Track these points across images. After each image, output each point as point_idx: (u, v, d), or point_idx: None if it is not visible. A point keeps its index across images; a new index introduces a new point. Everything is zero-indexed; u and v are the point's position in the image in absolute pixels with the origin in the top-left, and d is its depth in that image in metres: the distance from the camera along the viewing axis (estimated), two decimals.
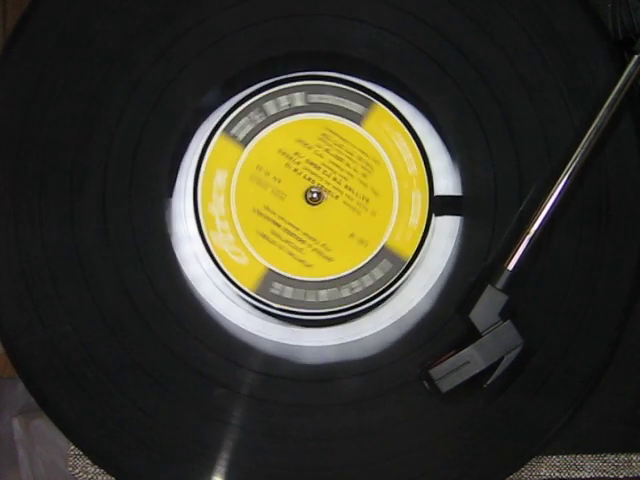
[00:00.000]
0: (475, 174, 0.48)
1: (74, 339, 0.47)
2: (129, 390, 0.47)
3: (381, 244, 0.49)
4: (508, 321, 0.46)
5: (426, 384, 0.47)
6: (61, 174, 0.47)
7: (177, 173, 0.49)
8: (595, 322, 0.48)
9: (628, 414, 0.51)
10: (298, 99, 0.49)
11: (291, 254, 0.49)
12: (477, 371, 0.46)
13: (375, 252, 0.49)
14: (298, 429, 0.48)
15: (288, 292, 0.49)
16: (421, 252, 0.49)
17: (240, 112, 0.49)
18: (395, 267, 0.49)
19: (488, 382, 0.46)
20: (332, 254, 0.49)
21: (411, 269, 0.49)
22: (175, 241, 0.48)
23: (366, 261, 0.49)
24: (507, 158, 0.48)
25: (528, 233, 0.46)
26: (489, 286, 0.46)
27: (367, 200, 0.49)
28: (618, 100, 0.47)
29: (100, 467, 0.49)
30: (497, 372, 0.46)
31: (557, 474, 0.52)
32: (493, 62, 0.48)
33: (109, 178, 0.48)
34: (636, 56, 0.47)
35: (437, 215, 0.49)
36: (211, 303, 0.48)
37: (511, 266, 0.46)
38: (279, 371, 0.48)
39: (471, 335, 0.46)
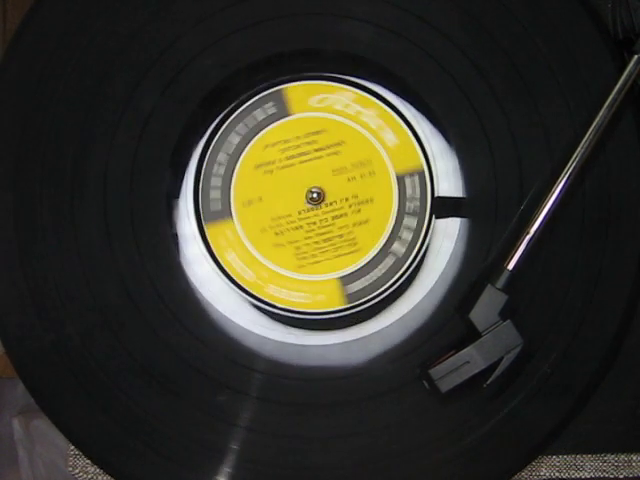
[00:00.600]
0: (476, 175, 0.48)
1: (76, 340, 0.47)
2: (130, 391, 0.47)
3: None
4: (508, 321, 0.46)
5: (426, 384, 0.47)
6: (63, 175, 0.47)
7: (183, 173, 0.49)
8: (595, 322, 0.48)
9: (628, 414, 0.51)
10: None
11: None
12: (477, 371, 0.46)
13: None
14: (300, 429, 0.48)
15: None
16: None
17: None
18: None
19: (488, 382, 0.46)
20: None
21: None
22: (179, 242, 0.48)
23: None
24: (508, 158, 0.48)
25: (528, 233, 0.46)
26: (489, 286, 0.46)
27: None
28: (618, 100, 0.47)
29: (100, 468, 0.49)
30: (497, 372, 0.46)
31: (557, 474, 0.52)
32: (493, 62, 0.48)
33: (111, 179, 0.48)
34: (636, 56, 0.47)
35: (438, 217, 0.49)
36: (214, 304, 0.48)
37: (511, 266, 0.46)
38: (282, 372, 0.48)
39: (471, 335, 0.46)
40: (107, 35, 0.48)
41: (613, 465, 0.52)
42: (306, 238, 0.49)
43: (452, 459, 0.48)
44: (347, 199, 0.49)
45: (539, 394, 0.48)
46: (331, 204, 0.49)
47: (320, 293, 0.49)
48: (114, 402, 0.47)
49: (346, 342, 0.49)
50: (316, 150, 0.49)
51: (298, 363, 0.48)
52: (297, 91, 0.49)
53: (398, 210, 0.49)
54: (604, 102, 0.47)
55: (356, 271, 0.49)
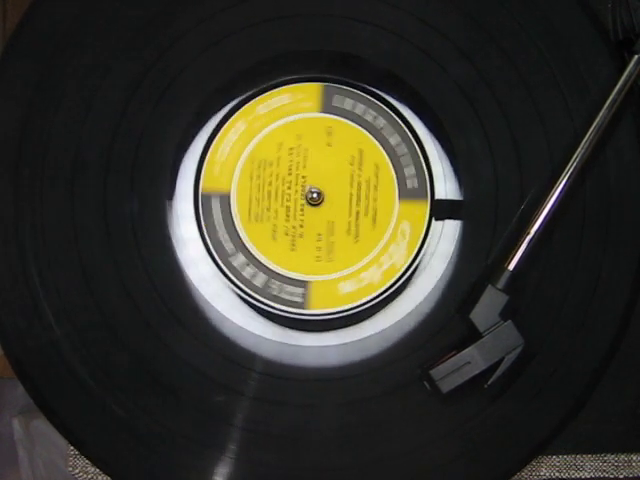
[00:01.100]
0: (475, 175, 0.48)
1: (74, 341, 0.47)
2: (129, 392, 0.47)
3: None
4: (509, 321, 0.46)
5: (427, 384, 0.47)
6: (62, 176, 0.47)
7: (177, 175, 0.49)
8: (595, 322, 0.48)
9: (628, 414, 0.51)
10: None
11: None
12: (478, 371, 0.46)
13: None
14: (298, 429, 0.48)
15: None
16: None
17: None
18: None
19: (489, 382, 0.46)
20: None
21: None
22: (176, 243, 0.48)
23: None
24: (508, 158, 0.48)
25: (528, 233, 0.46)
26: (490, 286, 0.46)
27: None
28: (618, 100, 0.47)
29: (99, 468, 0.49)
30: (498, 372, 0.46)
31: (557, 474, 0.52)
32: (493, 62, 0.48)
33: (110, 180, 0.48)
34: (636, 56, 0.47)
35: (437, 219, 0.49)
36: (213, 304, 0.48)
37: (512, 266, 0.46)
38: (280, 372, 0.48)
39: (472, 335, 0.46)
40: (107, 35, 0.48)
41: (613, 465, 0.52)
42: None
43: (452, 459, 0.48)
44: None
45: (539, 394, 0.48)
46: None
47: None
48: (113, 402, 0.47)
49: (344, 343, 0.49)
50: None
51: (296, 363, 0.48)
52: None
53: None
54: (604, 102, 0.47)
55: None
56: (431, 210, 0.49)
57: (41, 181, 0.47)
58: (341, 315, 0.49)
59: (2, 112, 0.47)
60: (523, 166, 0.48)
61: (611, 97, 0.47)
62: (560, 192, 0.46)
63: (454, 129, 0.48)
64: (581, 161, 0.47)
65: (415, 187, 0.49)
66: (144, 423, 0.47)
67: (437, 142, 0.49)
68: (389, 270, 0.49)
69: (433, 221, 0.49)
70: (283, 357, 0.48)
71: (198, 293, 0.48)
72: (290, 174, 0.49)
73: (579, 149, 0.47)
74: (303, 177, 0.49)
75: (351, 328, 0.49)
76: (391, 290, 0.49)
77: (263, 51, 0.49)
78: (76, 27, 0.48)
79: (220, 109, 0.49)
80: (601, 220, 0.48)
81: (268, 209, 0.49)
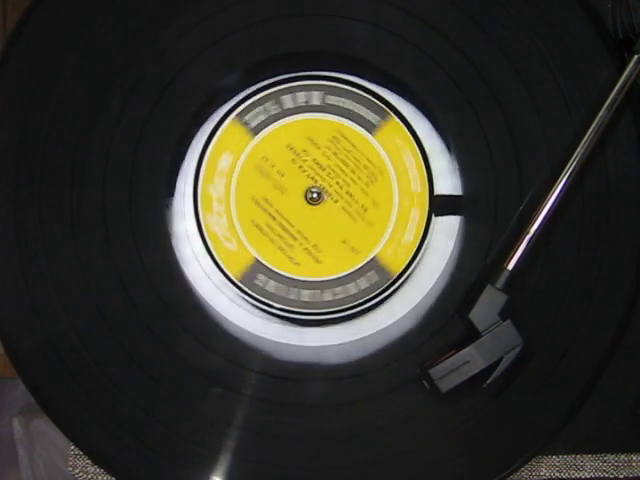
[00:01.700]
0: (475, 174, 0.48)
1: (74, 339, 0.47)
2: (129, 390, 0.47)
3: (371, 255, 0.49)
4: (508, 321, 0.46)
5: (426, 384, 0.47)
6: (61, 174, 0.47)
7: (177, 173, 0.49)
8: (595, 322, 0.48)
9: (628, 414, 0.51)
10: (316, 98, 0.49)
11: (281, 249, 0.49)
12: (477, 371, 0.46)
13: (364, 262, 0.49)
14: (298, 429, 0.48)
15: (271, 286, 0.48)
16: (410, 269, 0.49)
17: (256, 100, 0.49)
18: (381, 280, 0.49)
19: (488, 382, 0.46)
20: (322, 256, 0.49)
21: (397, 284, 0.49)
22: (175, 241, 0.48)
23: (354, 269, 0.49)
24: (507, 158, 0.48)
25: (528, 233, 0.46)
26: (489, 286, 0.46)
27: (366, 209, 0.49)
28: (618, 100, 0.47)
29: (100, 467, 0.49)
30: (497, 372, 0.46)
31: (557, 474, 0.52)
32: (493, 62, 0.48)
33: (109, 178, 0.48)
34: (636, 56, 0.47)
35: (437, 215, 0.49)
36: (211, 303, 0.48)
37: (511, 266, 0.46)
38: (279, 371, 0.48)
39: (471, 335, 0.46)
40: (106, 34, 0.48)
41: (613, 465, 0.52)
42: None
43: (451, 458, 0.48)
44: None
45: (539, 394, 0.48)
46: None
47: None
48: (113, 401, 0.47)
49: (344, 342, 0.49)
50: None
51: (295, 362, 0.48)
52: None
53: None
54: (604, 102, 0.47)
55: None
56: (430, 206, 0.49)
57: (40, 180, 0.47)
58: (341, 314, 0.49)
59: (2, 112, 0.47)
60: (523, 165, 0.48)
61: (611, 97, 0.47)
62: (560, 191, 0.46)
63: (454, 128, 0.48)
64: (581, 160, 0.47)
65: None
66: (144, 422, 0.47)
67: (437, 140, 0.49)
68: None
69: (433, 217, 0.49)
70: (282, 356, 0.48)
71: (197, 291, 0.48)
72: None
73: (579, 148, 0.47)
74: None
75: (350, 327, 0.49)
76: (391, 290, 0.49)
77: (263, 51, 0.49)
78: (76, 27, 0.48)
79: (219, 108, 0.49)
80: (601, 219, 0.48)
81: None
